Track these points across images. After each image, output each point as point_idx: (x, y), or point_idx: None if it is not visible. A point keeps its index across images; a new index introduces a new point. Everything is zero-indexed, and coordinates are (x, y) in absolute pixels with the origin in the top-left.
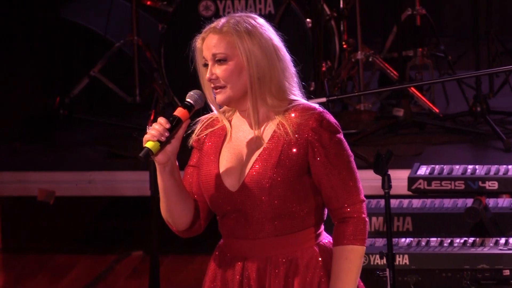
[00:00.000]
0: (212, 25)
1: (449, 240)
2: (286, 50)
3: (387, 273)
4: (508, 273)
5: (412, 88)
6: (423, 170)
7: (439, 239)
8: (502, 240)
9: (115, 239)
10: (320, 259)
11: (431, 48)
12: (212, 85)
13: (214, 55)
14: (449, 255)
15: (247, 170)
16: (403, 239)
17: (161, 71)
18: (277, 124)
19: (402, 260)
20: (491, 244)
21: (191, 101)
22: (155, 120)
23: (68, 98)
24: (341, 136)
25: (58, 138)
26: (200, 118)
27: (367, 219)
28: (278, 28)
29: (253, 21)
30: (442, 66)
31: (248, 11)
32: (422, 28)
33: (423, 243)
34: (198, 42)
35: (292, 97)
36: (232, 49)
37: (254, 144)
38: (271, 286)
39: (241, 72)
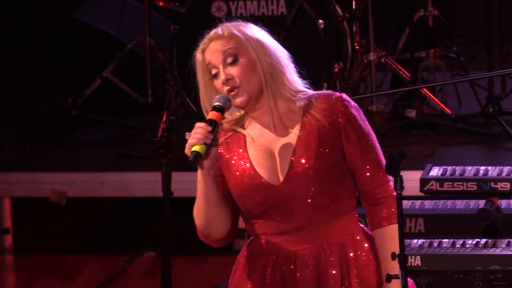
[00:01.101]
0: (208, 36)
1: (461, 241)
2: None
3: (399, 274)
4: None
5: (425, 89)
6: (435, 171)
7: (451, 240)
8: None
9: (127, 240)
10: (366, 245)
11: (444, 49)
12: (228, 87)
13: (224, 53)
14: (461, 256)
15: (287, 162)
16: (415, 240)
17: (173, 72)
18: (302, 113)
19: (414, 261)
20: (503, 245)
21: (221, 104)
22: (167, 121)
23: (81, 99)
24: (364, 116)
25: (70, 138)
26: None
27: None
28: (290, 29)
29: (245, 24)
30: (455, 67)
31: (261, 12)
32: (435, 29)
33: (435, 244)
34: (198, 55)
35: (304, 88)
36: (241, 46)
37: (283, 136)
38: (328, 276)
39: (254, 68)
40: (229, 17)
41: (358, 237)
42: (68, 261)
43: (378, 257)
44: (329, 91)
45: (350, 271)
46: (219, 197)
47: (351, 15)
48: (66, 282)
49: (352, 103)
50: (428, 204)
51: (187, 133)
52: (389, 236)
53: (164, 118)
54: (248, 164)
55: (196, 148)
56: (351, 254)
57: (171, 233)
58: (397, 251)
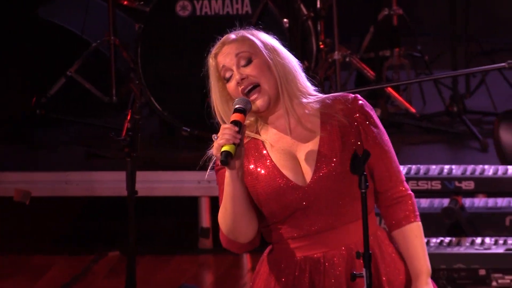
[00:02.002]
0: (220, 41)
1: (425, 240)
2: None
3: (364, 273)
4: (484, 273)
5: (389, 88)
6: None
7: None
8: (478, 240)
9: (92, 239)
10: (389, 243)
11: (408, 48)
12: (242, 86)
13: (237, 56)
14: None
15: (312, 163)
16: None
17: (137, 71)
18: (320, 115)
19: None
20: (467, 244)
21: (242, 106)
22: (131, 120)
23: (45, 98)
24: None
25: (35, 138)
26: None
27: None
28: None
29: (256, 30)
30: (419, 66)
31: (226, 11)
32: (399, 28)
33: None
34: (211, 60)
35: (315, 92)
36: (254, 49)
37: (304, 138)
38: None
39: (269, 68)
40: (194, 16)
41: (381, 237)
42: (34, 260)
43: (401, 255)
44: (342, 93)
45: (378, 270)
46: (246, 198)
47: (316, 14)
48: (31, 281)
49: (367, 103)
50: None
51: (214, 135)
52: (413, 235)
53: (128, 117)
54: (273, 168)
55: (226, 148)
56: (377, 253)
57: (136, 232)
58: (422, 249)
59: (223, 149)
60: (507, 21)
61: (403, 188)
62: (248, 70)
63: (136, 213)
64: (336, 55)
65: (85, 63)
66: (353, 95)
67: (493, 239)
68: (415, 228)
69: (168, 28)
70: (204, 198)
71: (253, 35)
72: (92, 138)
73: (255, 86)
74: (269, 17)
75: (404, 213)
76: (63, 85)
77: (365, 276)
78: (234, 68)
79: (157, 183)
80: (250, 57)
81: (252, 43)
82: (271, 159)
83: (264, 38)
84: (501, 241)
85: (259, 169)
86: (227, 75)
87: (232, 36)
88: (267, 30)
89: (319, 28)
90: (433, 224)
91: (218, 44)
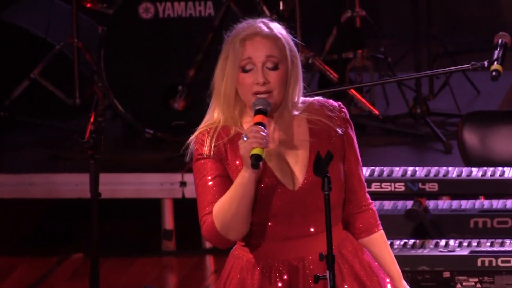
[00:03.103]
0: (253, 27)
1: (389, 242)
2: None
3: (327, 275)
4: (448, 275)
5: (352, 90)
6: (363, 170)
7: None
8: (442, 242)
9: (56, 241)
10: (361, 248)
11: (371, 50)
12: (259, 89)
13: (268, 57)
14: None
15: (303, 168)
16: None
17: (100, 73)
18: (307, 120)
19: None
20: (431, 246)
21: (265, 108)
22: (95, 122)
23: (8, 100)
24: None
25: None
26: (200, 129)
27: None
28: (218, 30)
29: (280, 25)
30: (382, 68)
31: (189, 13)
32: (362, 30)
33: None
34: (237, 44)
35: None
36: (283, 54)
37: (294, 142)
38: (345, 279)
39: (286, 79)
40: (157, 19)
41: (353, 241)
42: None
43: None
44: (325, 99)
45: (356, 273)
46: (253, 200)
47: (279, 16)
48: None
49: (347, 112)
50: None
51: (243, 135)
52: (384, 241)
53: (91, 120)
54: (266, 170)
55: (256, 151)
56: (352, 258)
57: (99, 235)
58: (392, 255)
59: (254, 152)
60: (470, 22)
61: (369, 197)
62: (271, 77)
63: (99, 215)
64: (299, 57)
65: (49, 66)
66: (339, 103)
67: (457, 241)
68: (384, 235)
69: (131, 31)
70: (167, 200)
71: (283, 36)
72: (55, 140)
73: (268, 92)
74: (232, 19)
75: (374, 220)
76: (26, 87)
77: (329, 278)
78: (260, 66)
79: (120, 185)
80: (277, 63)
81: (282, 47)
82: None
83: (290, 42)
84: (465, 243)
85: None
86: (248, 67)
87: (265, 29)
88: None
89: None
90: (396, 226)
91: (250, 30)
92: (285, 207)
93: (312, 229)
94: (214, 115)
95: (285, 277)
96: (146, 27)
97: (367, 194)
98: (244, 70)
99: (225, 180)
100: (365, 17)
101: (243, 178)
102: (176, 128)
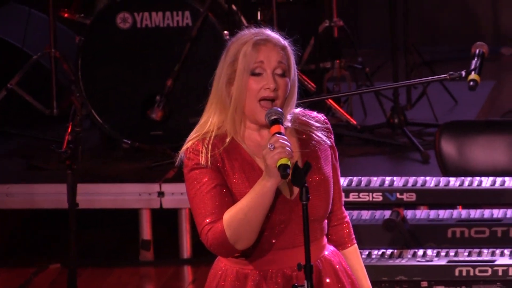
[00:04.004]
0: (265, 33)
1: (367, 252)
2: None
3: (305, 285)
4: (426, 285)
5: (330, 100)
6: (340, 182)
7: None
8: (420, 252)
9: (34, 251)
10: (343, 258)
11: (349, 59)
12: (268, 95)
13: (279, 63)
14: (367, 266)
15: None
16: None
17: (78, 83)
18: (295, 131)
19: None
20: (409, 256)
21: (277, 117)
22: (72, 133)
23: None
24: None
25: None
26: (193, 139)
27: None
28: (195, 40)
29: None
30: (360, 77)
31: (166, 23)
32: (340, 40)
33: None
34: (249, 47)
35: None
36: (289, 64)
37: None
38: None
39: (288, 88)
40: (134, 29)
41: (336, 252)
42: None
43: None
44: (309, 110)
45: (343, 282)
46: (268, 208)
47: (256, 26)
48: None
49: None
50: None
51: (269, 144)
52: (358, 254)
53: (69, 130)
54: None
55: (285, 161)
56: (338, 267)
57: (77, 245)
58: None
59: (282, 162)
60: (447, 32)
61: (344, 209)
62: (279, 84)
63: (77, 225)
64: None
65: (26, 76)
66: (321, 114)
67: (435, 251)
68: (357, 249)
69: (109, 41)
70: (145, 210)
71: (289, 45)
72: (33, 151)
73: (273, 100)
74: (210, 29)
75: (349, 233)
76: (4, 97)
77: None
78: (270, 71)
79: (98, 195)
80: (285, 71)
81: (289, 56)
82: (258, 167)
83: (293, 53)
84: (443, 253)
85: (248, 176)
86: (258, 70)
87: (277, 36)
88: (207, 42)
89: None
90: (374, 236)
91: (261, 35)
92: (282, 216)
93: (298, 240)
94: (209, 121)
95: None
96: (124, 37)
97: (343, 206)
98: (254, 73)
99: (224, 189)
100: (342, 27)
101: (264, 187)
102: (154, 138)
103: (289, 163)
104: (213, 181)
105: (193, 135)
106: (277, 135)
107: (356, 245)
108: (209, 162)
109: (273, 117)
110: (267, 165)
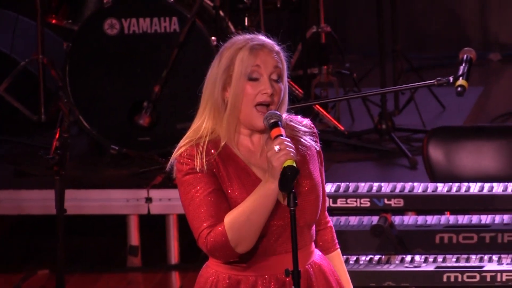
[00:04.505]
0: (260, 39)
1: (354, 258)
2: None
3: None
4: None
5: (317, 106)
6: (328, 188)
7: (344, 256)
8: (408, 258)
9: (22, 257)
10: (329, 263)
11: (336, 65)
12: (264, 100)
13: (275, 68)
14: (355, 272)
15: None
16: None
17: (66, 89)
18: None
19: None
20: (396, 262)
21: (277, 120)
22: (60, 139)
23: None
24: None
25: None
26: (186, 144)
27: None
28: (183, 46)
29: None
30: (347, 83)
31: (154, 29)
32: (327, 46)
33: None
34: (247, 52)
35: None
36: (284, 69)
37: None
38: None
39: (282, 94)
40: (122, 35)
41: (324, 257)
42: None
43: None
44: (295, 115)
45: (333, 287)
46: (271, 211)
47: (244, 32)
48: None
49: None
50: None
51: (275, 146)
52: (340, 260)
53: (57, 136)
54: (257, 181)
55: (291, 162)
56: (327, 272)
57: (65, 251)
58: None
59: (288, 163)
60: (435, 38)
61: (328, 215)
62: (276, 89)
63: (65, 231)
64: None
65: (14, 82)
66: (307, 119)
67: (423, 257)
68: (340, 254)
69: (97, 47)
70: (133, 216)
71: (282, 54)
72: (20, 156)
73: (268, 105)
74: (197, 35)
75: (332, 238)
76: None
77: None
78: (266, 76)
79: (85, 201)
80: (280, 76)
81: (283, 63)
82: (253, 172)
83: (286, 63)
84: (431, 259)
85: (244, 180)
86: (255, 75)
87: (271, 42)
88: (195, 48)
89: None
90: (362, 241)
91: (257, 40)
92: (279, 221)
93: (287, 246)
94: (203, 126)
95: None
96: (112, 43)
97: (326, 211)
98: (250, 78)
99: (221, 194)
100: (330, 32)
101: (268, 189)
102: (142, 144)
103: (294, 164)
104: (210, 186)
105: (185, 140)
106: (280, 137)
107: (339, 249)
108: (205, 167)
109: (273, 120)
110: (273, 167)
